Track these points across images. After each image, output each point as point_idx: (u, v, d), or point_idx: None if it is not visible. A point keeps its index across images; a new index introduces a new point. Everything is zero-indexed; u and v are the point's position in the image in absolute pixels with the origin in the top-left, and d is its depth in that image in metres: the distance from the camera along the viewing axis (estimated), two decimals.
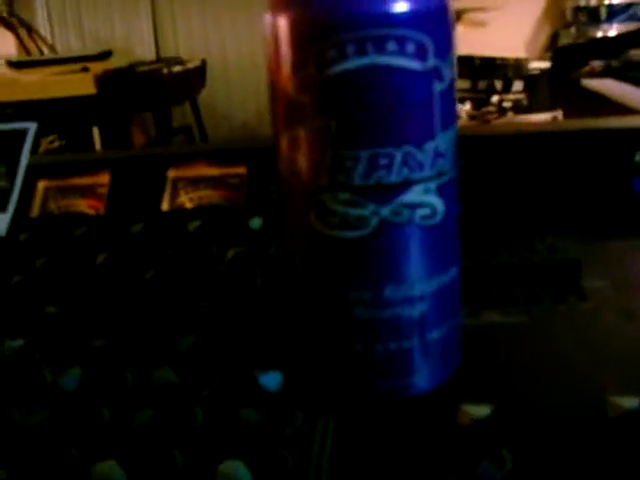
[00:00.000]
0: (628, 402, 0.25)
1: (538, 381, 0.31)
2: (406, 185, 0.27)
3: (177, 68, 2.92)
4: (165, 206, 0.59)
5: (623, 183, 0.55)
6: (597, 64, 1.46)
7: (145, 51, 3.29)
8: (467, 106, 1.93)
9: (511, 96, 2.01)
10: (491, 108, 1.99)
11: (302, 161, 0.27)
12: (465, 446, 0.25)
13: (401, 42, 0.25)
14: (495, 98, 2.00)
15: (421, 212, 0.27)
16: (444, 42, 0.27)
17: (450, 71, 0.27)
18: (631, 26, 1.92)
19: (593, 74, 1.44)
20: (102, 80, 2.62)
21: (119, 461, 0.26)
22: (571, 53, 1.70)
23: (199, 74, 3.09)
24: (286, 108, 0.27)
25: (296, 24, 0.26)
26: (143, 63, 2.91)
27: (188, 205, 0.60)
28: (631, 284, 0.42)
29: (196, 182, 0.61)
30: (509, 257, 0.44)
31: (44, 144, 2.52)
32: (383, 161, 0.26)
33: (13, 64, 2.83)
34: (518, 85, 2.02)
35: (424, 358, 0.29)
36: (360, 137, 0.26)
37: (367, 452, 0.27)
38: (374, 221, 0.27)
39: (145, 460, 0.27)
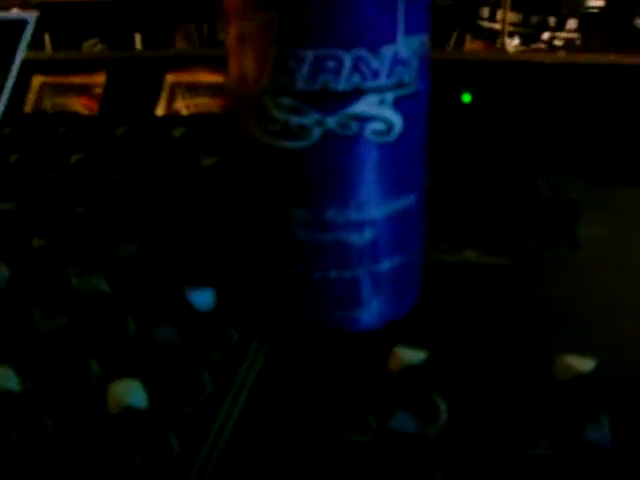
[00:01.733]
0: (582, 365, 0.22)
1: (495, 331, 0.28)
2: (356, 94, 0.23)
3: None
4: (160, 111, 0.56)
5: None
6: None
7: None
8: (515, 41, 1.85)
9: (564, 34, 1.91)
10: (541, 45, 1.90)
11: (245, 60, 0.24)
12: (390, 393, 0.23)
13: None
14: (546, 35, 1.91)
15: (373, 126, 0.24)
16: None
17: None
18: None
19: None
20: None
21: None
22: None
23: None
24: (232, 1, 0.24)
25: None
26: None
27: (184, 112, 0.57)
28: (628, 236, 0.39)
29: (194, 88, 0.58)
30: (502, 192, 0.41)
31: (85, 47, 2.49)
32: (330, 64, 0.23)
33: None
34: (572, 23, 1.93)
35: (369, 291, 0.27)
36: (305, 34, 0.23)
37: (289, 386, 0.25)
38: (317, 132, 0.24)
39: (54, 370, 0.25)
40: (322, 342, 0.27)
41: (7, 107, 0.58)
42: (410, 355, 0.23)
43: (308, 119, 0.24)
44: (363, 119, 0.24)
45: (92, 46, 2.57)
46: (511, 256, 0.36)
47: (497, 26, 1.84)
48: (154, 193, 0.39)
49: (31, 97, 0.60)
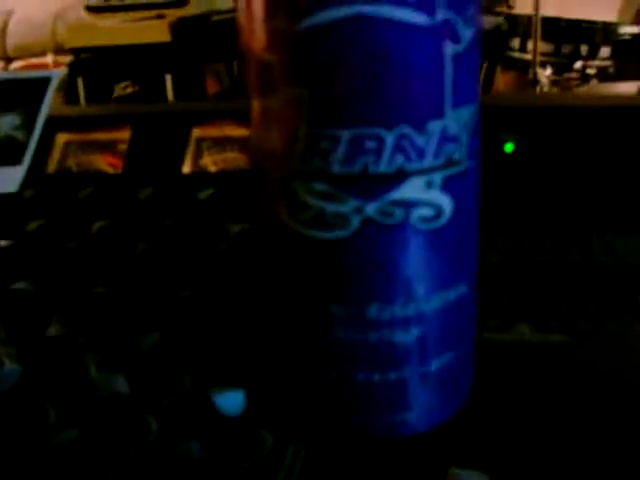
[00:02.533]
0: None
1: (566, 433, 0.25)
2: (400, 177, 0.20)
3: None
4: (187, 168, 0.54)
5: None
6: None
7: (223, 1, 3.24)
8: (548, 71, 1.82)
9: (596, 62, 1.88)
10: (574, 74, 1.87)
11: (273, 139, 0.21)
12: None
13: None
14: (579, 64, 1.88)
15: (420, 212, 0.21)
16: None
17: (470, 29, 0.21)
18: None
19: None
20: (177, 28, 2.59)
21: None
22: None
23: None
24: (255, 71, 0.21)
25: None
26: (219, 12, 2.87)
27: (211, 168, 0.55)
28: None
29: (222, 143, 0.56)
30: (554, 255, 0.37)
31: (117, 90, 2.52)
32: (370, 144, 0.20)
33: (91, 9, 2.83)
34: (605, 51, 1.89)
35: (416, 393, 0.23)
36: (340, 112, 0.20)
37: None
38: (356, 221, 0.21)
39: None
40: (365, 448, 0.24)
41: (32, 166, 0.57)
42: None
43: (345, 207, 0.21)
44: (408, 205, 0.21)
45: (123, 88, 2.60)
46: (571, 331, 0.32)
47: (528, 56, 1.81)
48: (178, 268, 0.36)
49: (55, 156, 0.58)
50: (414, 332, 0.22)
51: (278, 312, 0.24)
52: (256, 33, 0.20)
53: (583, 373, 0.29)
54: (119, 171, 0.55)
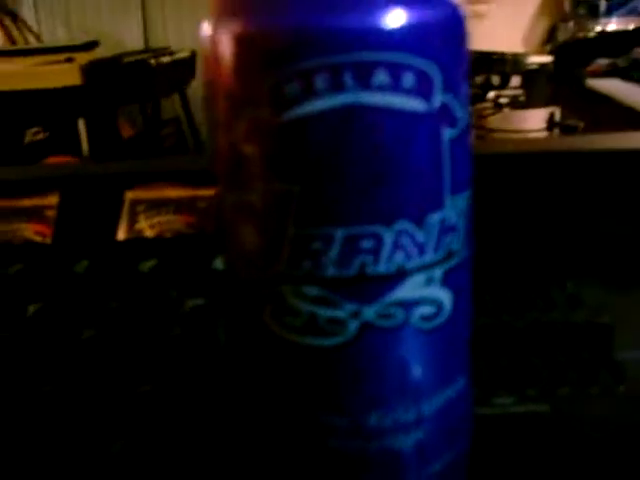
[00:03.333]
0: None
1: None
2: (400, 276, 0.19)
3: (166, 59, 2.83)
4: (122, 234, 0.51)
5: None
6: (602, 62, 1.37)
7: (134, 42, 3.20)
8: None
9: (508, 92, 1.94)
10: (487, 104, 1.92)
11: (253, 239, 0.19)
12: None
13: (395, 72, 0.17)
14: (492, 94, 1.93)
15: (420, 311, 0.19)
16: (456, 70, 0.19)
17: (464, 110, 0.19)
18: (631, 21, 1.85)
19: (598, 73, 1.36)
20: (88, 70, 2.55)
21: None
22: (574, 49, 1.62)
23: (189, 65, 3.01)
24: (231, 164, 0.19)
25: (243, 42, 0.18)
26: (130, 53, 2.83)
27: (148, 233, 0.52)
28: None
29: (158, 205, 0.53)
30: (522, 317, 0.36)
31: (28, 135, 2.44)
32: (367, 244, 0.18)
33: None
34: (515, 81, 1.95)
35: None
36: (334, 210, 0.18)
37: None
38: (353, 326, 0.19)
39: None
40: None
41: None
42: None
43: (341, 312, 0.19)
44: (408, 305, 0.19)
45: (34, 134, 2.52)
46: (552, 399, 0.31)
47: None
48: (132, 358, 0.33)
49: None
50: (416, 436, 0.20)
51: (263, 423, 0.21)
52: (232, 122, 0.18)
53: (569, 442, 0.28)
54: (48, 240, 0.51)
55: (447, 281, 0.20)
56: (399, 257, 0.18)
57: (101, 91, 2.52)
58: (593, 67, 1.36)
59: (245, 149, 0.18)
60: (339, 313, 0.19)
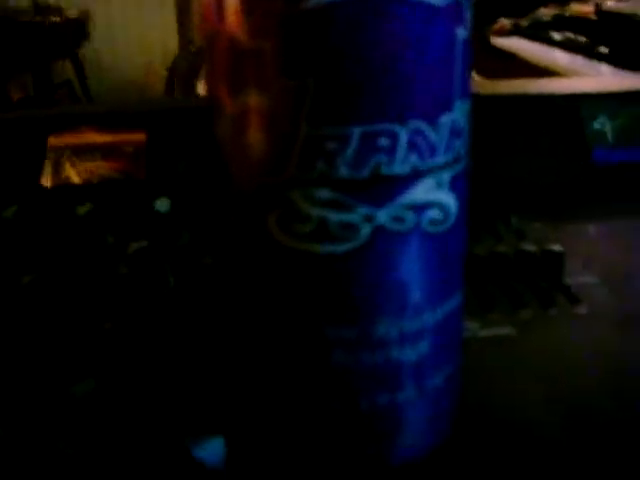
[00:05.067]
0: None
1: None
2: (413, 177, 0.18)
3: (55, 18, 2.70)
4: (46, 181, 0.48)
5: (581, 154, 0.49)
6: (506, 22, 1.41)
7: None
8: None
9: None
10: None
11: (259, 142, 0.18)
12: None
13: None
14: None
15: (430, 215, 0.19)
16: None
17: (470, 12, 0.19)
18: None
19: (502, 32, 1.39)
20: None
21: None
22: (480, 9, 1.65)
23: (80, 26, 2.89)
24: (235, 63, 0.18)
25: None
26: (17, 11, 2.68)
27: (75, 179, 0.49)
28: (620, 278, 0.36)
29: (84, 151, 0.51)
30: (473, 249, 0.37)
31: None
32: (383, 142, 0.18)
33: None
34: None
35: (421, 411, 0.21)
36: (350, 106, 0.17)
37: None
38: (366, 230, 0.18)
39: None
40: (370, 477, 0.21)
41: None
42: None
43: (354, 215, 0.18)
44: (420, 208, 0.19)
45: None
46: (514, 322, 0.31)
47: None
48: (81, 298, 0.32)
49: None
50: (422, 347, 0.20)
51: (262, 343, 0.21)
52: (240, 14, 0.17)
53: (536, 362, 0.29)
54: None
55: (454, 186, 0.19)
56: (413, 157, 0.18)
57: None
58: (497, 26, 1.40)
59: (256, 45, 0.17)
60: (352, 217, 0.18)
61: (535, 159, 0.47)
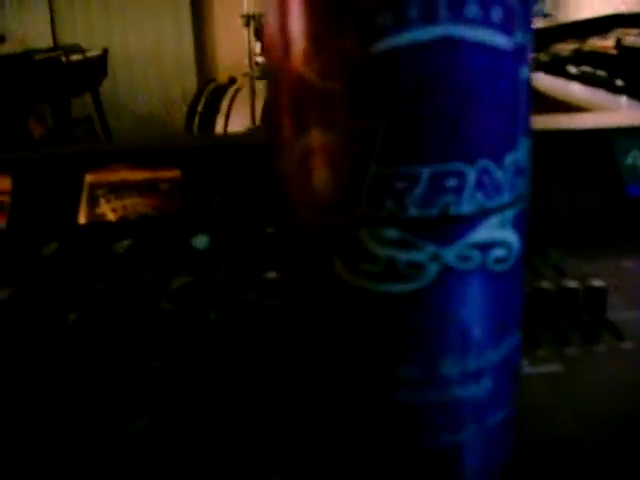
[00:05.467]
0: None
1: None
2: (480, 216, 0.18)
3: (77, 56, 2.75)
4: (83, 218, 0.49)
5: (615, 189, 0.49)
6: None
7: (41, 39, 3.09)
8: None
9: None
10: None
11: (327, 182, 0.18)
12: None
13: (485, 4, 0.17)
14: None
15: (495, 253, 0.19)
16: (529, 10, 0.18)
17: (531, 53, 0.19)
18: (538, 21, 1.91)
19: None
20: None
21: None
22: None
23: (100, 63, 2.94)
24: (302, 102, 0.18)
25: None
26: (40, 50, 2.73)
27: (111, 216, 0.50)
28: None
29: (119, 188, 0.51)
30: None
31: None
32: (451, 182, 0.18)
33: None
34: None
35: (483, 451, 0.21)
36: (420, 146, 0.17)
37: None
38: (433, 269, 0.18)
39: None
40: None
41: None
42: None
43: (421, 255, 0.18)
44: (485, 246, 0.19)
45: None
46: (561, 358, 0.31)
47: None
48: (128, 336, 0.32)
49: None
50: (484, 385, 0.20)
51: (327, 383, 0.21)
52: (309, 54, 0.17)
53: (585, 399, 0.28)
54: (2, 228, 0.49)
55: (516, 224, 0.19)
56: (480, 197, 0.18)
57: (10, 89, 2.42)
58: None
59: (325, 86, 0.17)
60: (419, 256, 0.18)
61: (569, 194, 0.47)
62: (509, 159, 0.18)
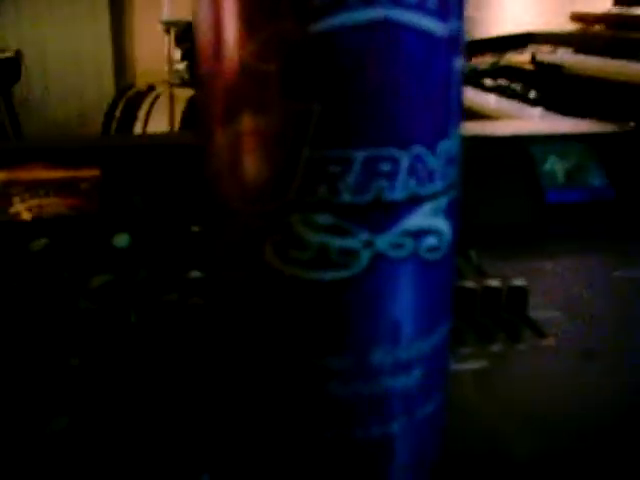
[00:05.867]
0: None
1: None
2: (413, 203, 0.18)
3: None
4: None
5: (534, 194, 0.50)
6: None
7: None
8: None
9: None
10: None
11: (259, 167, 0.18)
12: None
13: None
14: None
15: (427, 241, 0.19)
16: None
17: (463, 42, 0.19)
18: None
19: None
20: None
21: None
22: None
23: (13, 66, 2.84)
24: (236, 87, 0.18)
25: None
26: None
27: (25, 216, 0.48)
28: (580, 311, 0.36)
29: (35, 187, 0.49)
30: None
31: None
32: (385, 167, 0.18)
33: None
34: None
35: (412, 443, 0.21)
36: (354, 130, 0.17)
37: None
38: (365, 256, 0.18)
39: None
40: None
41: None
42: None
43: (354, 241, 0.18)
44: (418, 234, 0.19)
45: None
46: (486, 356, 0.32)
47: None
48: (45, 335, 0.30)
49: None
50: (415, 375, 0.20)
51: (252, 375, 0.20)
52: (245, 38, 0.17)
53: (510, 393, 0.29)
54: None
55: (449, 213, 0.19)
56: (413, 183, 0.18)
57: None
58: None
59: (260, 69, 0.17)
60: (352, 243, 0.18)
61: (491, 198, 0.48)
62: (442, 147, 0.18)
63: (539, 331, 0.34)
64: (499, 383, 0.30)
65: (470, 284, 0.36)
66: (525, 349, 0.32)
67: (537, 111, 1.05)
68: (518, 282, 0.36)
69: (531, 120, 0.91)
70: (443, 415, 0.22)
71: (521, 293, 0.36)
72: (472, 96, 1.25)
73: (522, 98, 1.14)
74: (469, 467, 0.24)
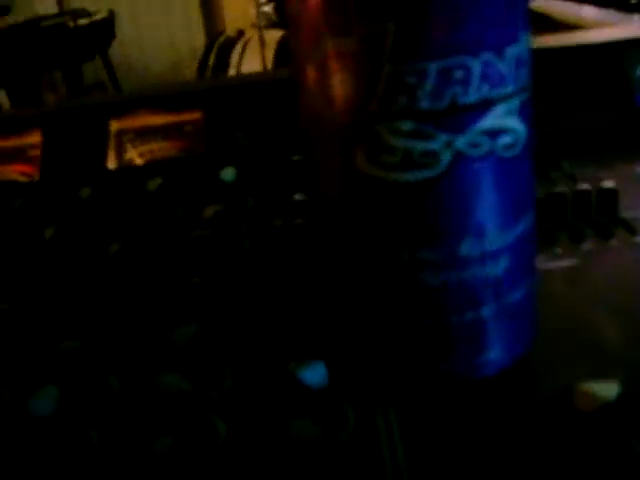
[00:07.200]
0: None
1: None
2: (486, 105, 0.20)
3: (84, 20, 2.74)
4: (112, 164, 0.51)
5: (624, 100, 0.50)
6: None
7: (46, 6, 3.07)
8: None
9: None
10: None
11: (343, 83, 0.20)
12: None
13: None
14: None
15: (503, 140, 0.21)
16: None
17: None
18: None
19: None
20: (3, 37, 2.44)
21: None
22: None
23: (107, 26, 2.92)
24: (320, 14, 0.20)
25: None
26: (46, 17, 2.72)
27: (138, 161, 0.52)
28: None
29: (144, 133, 0.53)
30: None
31: None
32: (458, 75, 0.19)
33: None
34: None
35: (504, 326, 0.23)
36: (428, 43, 0.19)
37: (448, 446, 0.21)
38: (447, 156, 0.20)
39: None
40: (459, 392, 0.23)
41: None
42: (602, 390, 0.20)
43: (435, 143, 0.20)
44: (494, 134, 0.20)
45: None
46: (578, 253, 0.33)
47: None
48: (169, 260, 0.34)
49: None
50: (502, 264, 0.22)
51: (355, 272, 0.23)
52: None
53: (602, 289, 0.30)
54: (35, 179, 0.51)
55: (522, 113, 0.21)
56: (485, 87, 0.20)
57: (19, 58, 2.43)
58: None
59: None
60: (433, 145, 0.20)
61: (581, 107, 0.48)
62: (510, 52, 0.20)
63: (630, 229, 0.35)
64: (591, 279, 0.31)
65: (561, 189, 0.37)
66: (616, 246, 0.33)
67: (635, 17, 1.02)
68: (609, 184, 0.37)
69: (629, 26, 0.88)
70: (533, 300, 0.24)
71: (611, 195, 0.37)
72: (565, 8, 1.21)
73: (618, 5, 1.10)
74: (560, 346, 0.26)
